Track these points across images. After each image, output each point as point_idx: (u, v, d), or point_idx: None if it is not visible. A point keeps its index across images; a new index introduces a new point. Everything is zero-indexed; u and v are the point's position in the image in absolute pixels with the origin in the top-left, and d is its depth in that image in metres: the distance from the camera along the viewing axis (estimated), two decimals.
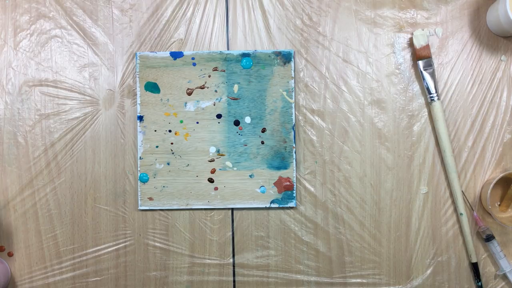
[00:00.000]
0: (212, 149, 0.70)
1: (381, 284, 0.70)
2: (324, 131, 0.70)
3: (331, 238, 0.70)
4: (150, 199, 0.70)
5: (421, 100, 0.70)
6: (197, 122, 0.70)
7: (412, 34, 0.70)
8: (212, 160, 0.70)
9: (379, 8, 0.71)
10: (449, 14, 0.71)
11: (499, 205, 0.71)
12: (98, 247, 0.70)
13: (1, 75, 0.71)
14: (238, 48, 0.71)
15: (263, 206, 0.70)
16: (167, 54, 0.70)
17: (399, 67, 0.71)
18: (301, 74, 0.70)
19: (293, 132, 0.69)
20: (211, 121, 0.70)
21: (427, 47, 0.69)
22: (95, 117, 0.70)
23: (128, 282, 0.70)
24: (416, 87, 0.71)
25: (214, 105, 0.70)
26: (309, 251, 0.70)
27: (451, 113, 0.70)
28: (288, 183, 0.69)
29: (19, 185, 0.70)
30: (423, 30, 0.70)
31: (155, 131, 0.70)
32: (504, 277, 0.70)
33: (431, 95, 0.69)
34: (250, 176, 0.70)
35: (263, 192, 0.70)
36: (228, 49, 0.71)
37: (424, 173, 0.70)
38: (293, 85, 0.69)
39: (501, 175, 0.67)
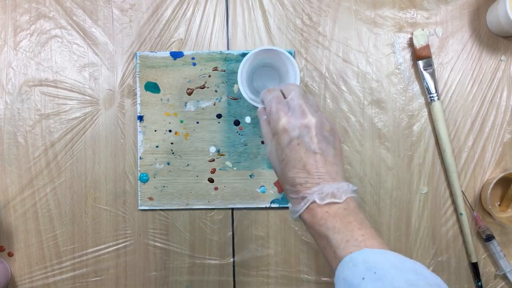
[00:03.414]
0: (212, 149, 0.70)
1: None
2: None
3: None
4: (150, 199, 0.70)
5: (421, 100, 0.71)
6: (197, 122, 0.70)
7: (412, 34, 0.70)
8: (212, 160, 0.70)
9: (379, 8, 0.71)
10: (449, 14, 0.71)
11: (499, 205, 0.71)
12: (98, 247, 0.70)
13: (1, 75, 0.71)
14: (238, 48, 0.71)
15: (263, 206, 0.70)
16: (167, 54, 0.70)
17: (399, 67, 0.71)
18: (301, 74, 0.70)
19: None
20: (211, 121, 0.70)
21: (427, 47, 0.69)
22: (95, 117, 0.70)
23: (128, 282, 0.70)
24: (416, 87, 0.71)
25: (214, 105, 0.70)
26: (309, 251, 0.70)
27: (451, 113, 0.70)
28: None
29: (19, 185, 0.70)
30: (423, 30, 0.70)
31: (155, 131, 0.70)
32: (504, 277, 0.70)
33: (431, 95, 0.69)
34: (250, 176, 0.70)
35: (263, 192, 0.70)
36: (228, 49, 0.71)
37: (424, 173, 0.70)
38: None
39: (501, 175, 0.67)
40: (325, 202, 0.47)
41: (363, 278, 0.40)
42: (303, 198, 0.48)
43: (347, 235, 0.45)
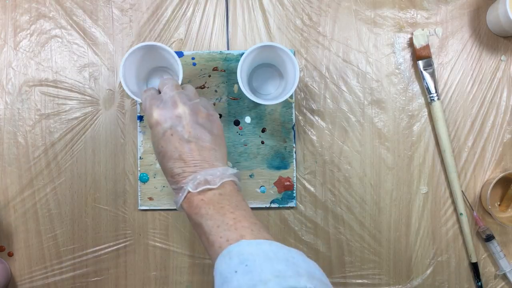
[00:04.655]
0: None
1: (381, 284, 0.70)
2: (324, 131, 0.70)
3: (331, 238, 0.70)
4: (150, 199, 0.70)
5: (421, 100, 0.71)
6: None
7: (412, 34, 0.70)
8: None
9: (379, 8, 0.71)
10: (449, 14, 0.71)
11: (499, 205, 0.71)
12: (98, 247, 0.70)
13: (1, 75, 0.71)
14: (238, 48, 0.71)
15: (263, 206, 0.70)
16: None
17: (399, 67, 0.71)
18: (301, 74, 0.70)
19: (293, 132, 0.69)
20: None
21: (427, 47, 0.69)
22: (95, 117, 0.70)
23: (128, 282, 0.70)
24: (416, 87, 0.71)
25: (214, 105, 0.70)
26: (309, 251, 0.70)
27: (451, 113, 0.70)
28: (288, 183, 0.69)
29: (19, 185, 0.70)
30: (423, 30, 0.70)
31: None
32: (504, 277, 0.70)
33: (431, 95, 0.69)
34: (250, 176, 0.70)
35: (263, 192, 0.70)
36: (228, 49, 0.71)
37: (424, 173, 0.70)
38: None
39: (501, 175, 0.67)
40: (198, 190, 0.47)
41: (236, 272, 0.40)
42: (181, 188, 0.48)
43: (218, 220, 0.45)
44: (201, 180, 0.47)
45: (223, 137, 0.53)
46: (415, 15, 0.71)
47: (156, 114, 0.50)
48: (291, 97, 0.69)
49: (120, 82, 0.70)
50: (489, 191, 0.66)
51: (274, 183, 0.70)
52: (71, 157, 0.70)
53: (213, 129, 0.51)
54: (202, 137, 0.50)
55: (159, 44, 0.60)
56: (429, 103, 0.70)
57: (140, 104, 0.69)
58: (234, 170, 0.51)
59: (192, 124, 0.50)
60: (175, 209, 0.70)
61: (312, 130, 0.70)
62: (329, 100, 0.70)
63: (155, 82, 0.69)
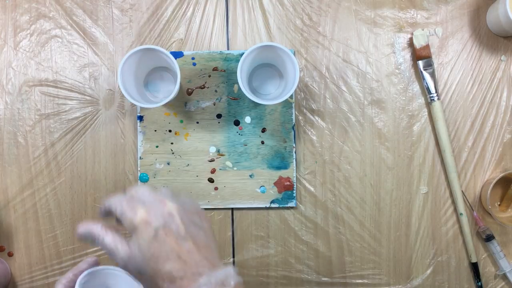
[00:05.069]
0: (212, 149, 0.70)
1: (381, 284, 0.70)
2: (324, 131, 0.70)
3: (331, 238, 0.70)
4: None
5: (421, 100, 0.71)
6: (197, 122, 0.70)
7: (412, 34, 0.70)
8: (212, 160, 0.70)
9: (379, 8, 0.71)
10: (449, 14, 0.71)
11: (499, 205, 0.71)
12: (98, 247, 0.70)
13: (1, 75, 0.71)
14: (238, 48, 0.71)
15: (263, 206, 0.70)
16: None
17: (399, 67, 0.71)
18: (301, 74, 0.70)
19: (293, 132, 0.69)
20: (211, 121, 0.70)
21: (427, 47, 0.69)
22: (95, 117, 0.70)
23: None
24: (416, 87, 0.71)
25: (214, 105, 0.70)
26: (309, 251, 0.70)
27: (451, 113, 0.70)
28: (288, 183, 0.69)
29: (19, 185, 0.70)
30: (423, 30, 0.70)
31: (155, 131, 0.70)
32: (504, 277, 0.70)
33: (431, 95, 0.69)
34: (250, 176, 0.70)
35: (263, 192, 0.70)
36: (228, 49, 0.71)
37: (424, 173, 0.70)
38: None
39: (501, 175, 0.67)
40: None
41: None
42: None
43: None
44: (217, 282, 0.43)
45: (212, 232, 0.49)
46: (415, 15, 0.71)
47: (142, 213, 0.44)
48: (291, 97, 0.69)
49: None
50: (489, 191, 0.66)
51: (274, 183, 0.70)
52: (71, 157, 0.70)
53: (203, 225, 0.47)
54: (196, 234, 0.45)
55: (155, 47, 0.59)
56: (429, 103, 0.70)
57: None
58: (236, 269, 0.46)
59: (185, 220, 0.45)
60: None
61: (312, 130, 0.70)
62: (329, 100, 0.70)
63: (155, 83, 0.69)
